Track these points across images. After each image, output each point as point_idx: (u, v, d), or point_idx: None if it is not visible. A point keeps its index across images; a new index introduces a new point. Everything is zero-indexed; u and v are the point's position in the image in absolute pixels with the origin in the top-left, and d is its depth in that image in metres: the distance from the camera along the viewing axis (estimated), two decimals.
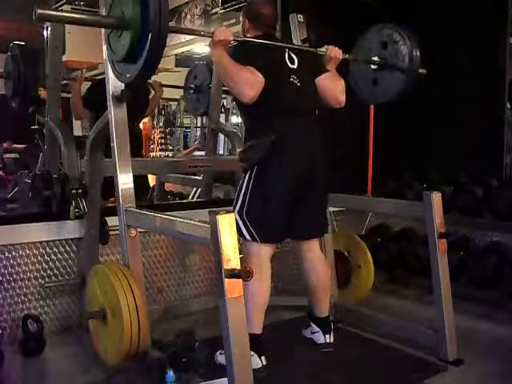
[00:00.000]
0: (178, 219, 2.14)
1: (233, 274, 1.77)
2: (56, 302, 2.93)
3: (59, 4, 7.07)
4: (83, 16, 2.10)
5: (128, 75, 2.05)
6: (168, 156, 9.89)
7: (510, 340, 2.88)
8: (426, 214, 2.59)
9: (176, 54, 7.99)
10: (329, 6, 4.13)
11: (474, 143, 3.97)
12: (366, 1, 4.35)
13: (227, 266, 1.77)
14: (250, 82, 2.33)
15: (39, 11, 1.80)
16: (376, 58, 2.87)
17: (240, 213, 2.45)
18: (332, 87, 2.65)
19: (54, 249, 2.92)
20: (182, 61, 8.68)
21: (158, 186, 5.06)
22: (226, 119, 10.35)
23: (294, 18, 3.19)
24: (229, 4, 5.06)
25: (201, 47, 7.42)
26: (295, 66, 2.56)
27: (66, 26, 5.93)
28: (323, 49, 2.68)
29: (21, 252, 2.82)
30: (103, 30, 2.22)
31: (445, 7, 4.15)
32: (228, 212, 1.84)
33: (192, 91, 4.75)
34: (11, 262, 2.79)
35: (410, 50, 2.76)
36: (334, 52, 2.67)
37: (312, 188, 2.55)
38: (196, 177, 4.81)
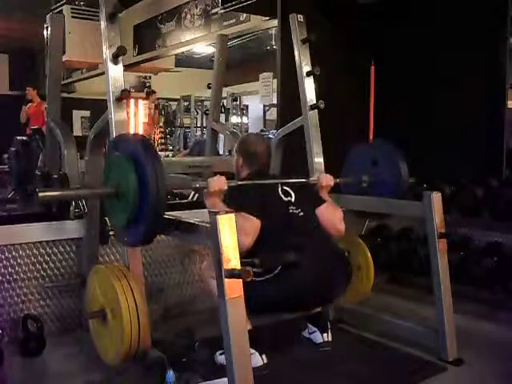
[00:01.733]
0: (178, 219, 2.14)
1: (233, 274, 1.77)
2: (56, 302, 2.93)
3: (59, 4, 7.07)
4: (82, 191, 2.23)
5: (127, 239, 2.13)
6: (168, 156, 9.90)
7: (510, 340, 2.88)
8: (426, 214, 2.59)
9: (176, 54, 8.00)
10: (329, 6, 4.13)
11: (473, 143, 3.97)
12: (364, 2, 4.35)
13: (227, 266, 1.78)
14: (245, 231, 2.30)
15: (40, 194, 1.86)
16: (366, 178, 3.04)
17: None
18: (331, 218, 2.68)
19: (54, 249, 2.92)
20: (182, 61, 8.69)
21: None
22: (226, 119, 10.38)
23: (293, 18, 3.19)
24: (229, 4, 5.06)
25: (201, 47, 7.43)
26: (292, 199, 2.59)
27: (66, 25, 5.94)
28: (315, 178, 2.84)
29: (21, 252, 2.82)
30: None
31: (444, 7, 4.15)
32: (228, 212, 1.84)
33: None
34: (11, 261, 2.79)
35: (397, 165, 2.95)
36: (326, 180, 2.83)
37: (324, 299, 2.60)
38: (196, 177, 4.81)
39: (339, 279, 2.56)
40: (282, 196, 2.59)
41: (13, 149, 3.49)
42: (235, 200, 2.42)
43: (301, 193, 2.64)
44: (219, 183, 2.40)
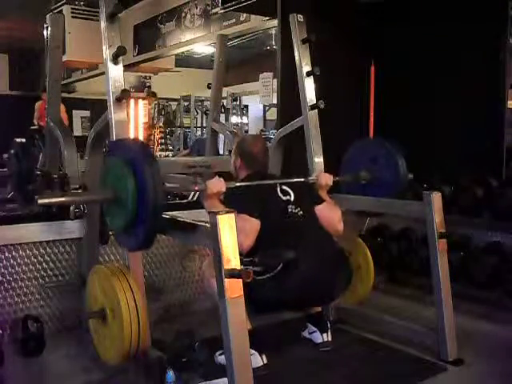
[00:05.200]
0: (178, 219, 2.14)
1: (233, 274, 1.77)
2: (56, 302, 2.93)
3: (59, 4, 7.07)
4: (81, 197, 2.26)
5: (128, 245, 2.14)
6: (168, 156, 9.91)
7: (510, 340, 2.88)
8: (426, 214, 2.59)
9: (176, 54, 8.00)
10: (329, 6, 4.13)
11: (474, 143, 3.97)
12: (364, 2, 4.35)
13: (227, 265, 1.78)
14: (245, 232, 2.31)
15: (39, 201, 1.88)
16: (364, 174, 3.03)
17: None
18: (330, 218, 2.68)
19: (54, 249, 2.92)
20: (182, 61, 8.69)
21: None
22: (226, 119, 10.38)
23: (293, 18, 3.19)
24: (229, 4, 5.06)
25: (201, 47, 7.42)
26: (291, 198, 2.59)
27: (66, 25, 5.94)
28: (314, 177, 2.84)
29: (21, 252, 2.82)
30: None
31: (444, 7, 4.15)
32: (228, 212, 1.84)
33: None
34: (11, 261, 2.79)
35: (395, 162, 2.93)
36: (325, 179, 2.84)
37: (324, 298, 2.61)
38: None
39: (340, 278, 2.56)
40: (281, 195, 2.60)
41: (11, 151, 3.47)
42: (234, 201, 2.42)
43: (300, 192, 2.65)
44: (218, 185, 2.41)
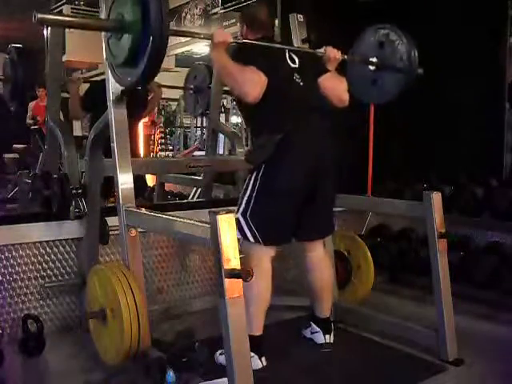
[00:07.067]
0: (178, 219, 2.14)
1: (233, 274, 1.77)
2: (56, 302, 2.93)
3: (59, 4, 7.07)
4: (83, 20, 2.08)
5: (129, 79, 2.03)
6: (168, 156, 9.90)
7: (510, 340, 2.88)
8: (426, 214, 2.59)
9: (176, 54, 8.00)
10: (329, 5, 4.13)
11: (473, 143, 3.97)
12: (365, 1, 4.35)
13: (227, 265, 1.77)
14: (253, 82, 2.31)
15: (39, 16, 1.79)
16: (374, 59, 2.89)
17: (244, 214, 2.42)
18: (335, 87, 2.63)
19: (54, 249, 2.92)
20: (181, 61, 8.68)
21: (158, 185, 5.06)
22: (226, 119, 10.37)
23: (293, 18, 3.19)
24: (229, 4, 5.07)
25: (201, 47, 7.43)
26: (297, 66, 2.56)
27: None
28: (322, 50, 2.71)
29: (21, 252, 2.82)
30: (103, 32, 2.21)
31: (444, 7, 4.15)
32: (228, 212, 1.84)
33: (191, 91, 4.77)
34: (11, 261, 2.79)
35: (407, 50, 2.78)
36: (333, 53, 2.70)
37: (320, 187, 2.52)
38: (196, 177, 4.81)
39: (329, 161, 2.54)
40: (289, 61, 2.56)
41: (7, 56, 3.34)
42: (242, 55, 2.40)
43: (305, 63, 2.60)
44: (224, 35, 2.37)
